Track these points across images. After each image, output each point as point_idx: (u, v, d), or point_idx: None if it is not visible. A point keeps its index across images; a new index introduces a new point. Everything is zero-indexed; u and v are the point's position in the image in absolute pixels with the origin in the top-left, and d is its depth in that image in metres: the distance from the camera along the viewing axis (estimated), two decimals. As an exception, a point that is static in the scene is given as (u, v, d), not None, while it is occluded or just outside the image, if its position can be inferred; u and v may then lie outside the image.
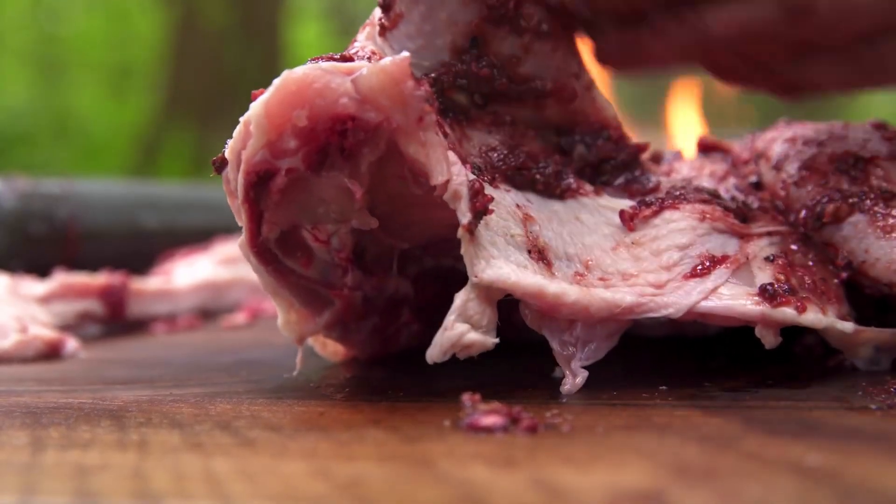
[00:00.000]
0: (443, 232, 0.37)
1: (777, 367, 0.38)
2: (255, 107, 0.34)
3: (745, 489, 0.23)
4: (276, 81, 0.34)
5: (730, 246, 0.38)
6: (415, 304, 0.42)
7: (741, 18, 0.38)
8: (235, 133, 0.35)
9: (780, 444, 0.27)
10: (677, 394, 0.34)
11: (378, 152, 0.34)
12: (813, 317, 0.35)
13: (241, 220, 0.36)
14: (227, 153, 0.36)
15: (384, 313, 0.41)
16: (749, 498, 0.22)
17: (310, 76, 0.33)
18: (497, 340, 0.34)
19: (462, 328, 0.33)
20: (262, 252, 0.37)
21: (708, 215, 0.38)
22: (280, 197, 0.35)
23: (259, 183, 0.35)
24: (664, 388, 0.35)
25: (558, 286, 0.34)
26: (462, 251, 0.34)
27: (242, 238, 0.37)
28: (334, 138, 0.34)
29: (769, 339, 0.35)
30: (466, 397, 0.32)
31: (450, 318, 0.33)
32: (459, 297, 0.34)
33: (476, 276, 0.33)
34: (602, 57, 0.42)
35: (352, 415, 0.33)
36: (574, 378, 0.35)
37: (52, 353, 0.52)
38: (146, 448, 0.29)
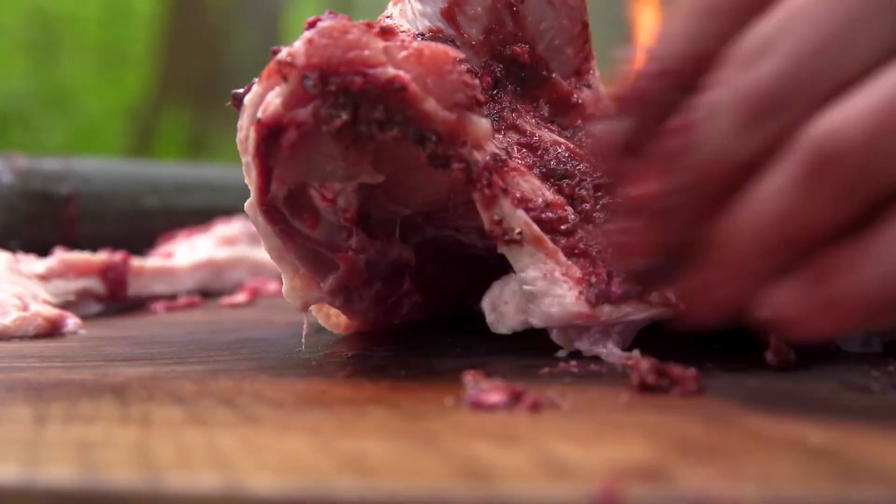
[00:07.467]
0: (444, 197, 0.38)
1: (778, 348, 0.38)
2: (300, 40, 0.34)
3: (747, 466, 0.23)
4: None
5: None
6: (416, 274, 0.42)
7: None
8: (263, 76, 0.35)
9: (782, 423, 0.27)
10: (679, 374, 0.34)
11: (379, 113, 0.34)
12: None
13: (251, 177, 0.37)
14: (248, 98, 0.36)
15: (387, 280, 0.42)
16: (751, 474, 0.22)
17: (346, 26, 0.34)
18: None
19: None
20: (270, 210, 0.37)
21: None
22: (290, 152, 0.36)
23: (270, 137, 0.35)
24: (666, 368, 0.35)
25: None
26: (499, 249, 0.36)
27: (251, 199, 0.37)
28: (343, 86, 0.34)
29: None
30: (468, 375, 0.32)
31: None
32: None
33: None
34: None
35: (354, 392, 0.33)
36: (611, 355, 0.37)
37: (52, 330, 0.52)
38: (149, 423, 0.29)
